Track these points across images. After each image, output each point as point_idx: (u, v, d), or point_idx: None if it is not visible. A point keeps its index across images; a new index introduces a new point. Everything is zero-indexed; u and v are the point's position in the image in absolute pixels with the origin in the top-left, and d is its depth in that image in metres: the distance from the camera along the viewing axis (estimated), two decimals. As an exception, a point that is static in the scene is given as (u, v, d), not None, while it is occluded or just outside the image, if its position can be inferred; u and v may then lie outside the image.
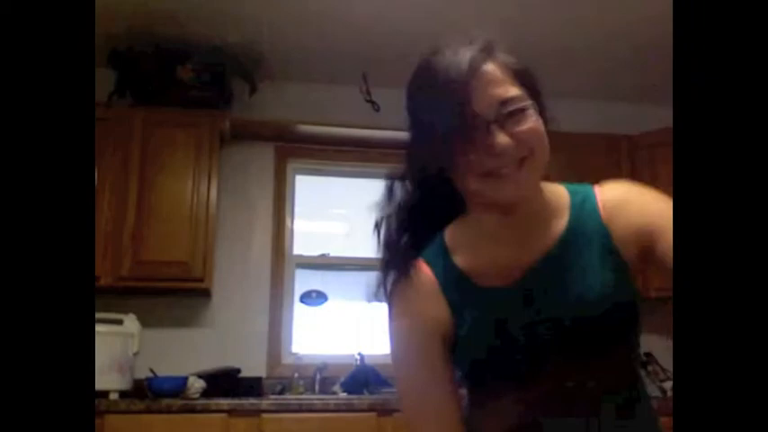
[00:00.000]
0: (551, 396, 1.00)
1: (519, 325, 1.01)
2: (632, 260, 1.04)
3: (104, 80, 3.30)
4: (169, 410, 2.76)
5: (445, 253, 1.11)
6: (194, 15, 3.16)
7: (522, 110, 1.01)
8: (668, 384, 3.44)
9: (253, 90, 3.50)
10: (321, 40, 3.36)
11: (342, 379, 3.32)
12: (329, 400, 2.99)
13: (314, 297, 3.66)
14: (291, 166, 3.82)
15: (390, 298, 1.15)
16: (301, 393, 3.27)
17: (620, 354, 1.04)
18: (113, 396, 2.84)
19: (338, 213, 3.94)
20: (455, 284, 1.08)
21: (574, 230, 1.06)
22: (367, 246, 3.88)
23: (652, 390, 3.47)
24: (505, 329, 1.02)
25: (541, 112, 1.06)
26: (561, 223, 1.07)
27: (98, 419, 2.63)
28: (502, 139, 0.98)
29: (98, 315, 2.65)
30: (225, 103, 3.45)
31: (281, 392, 3.27)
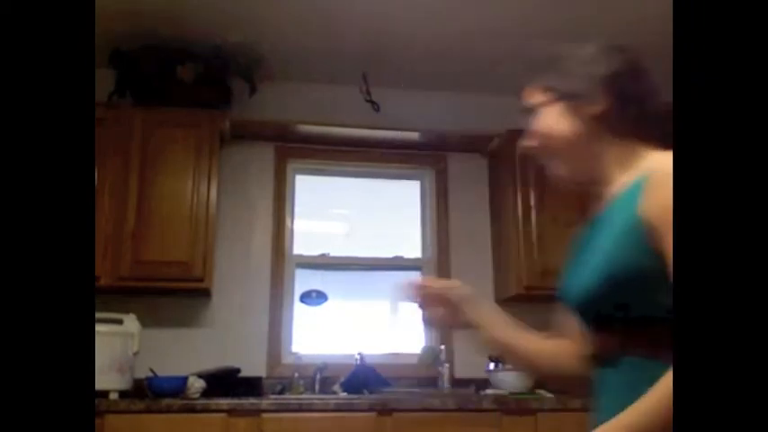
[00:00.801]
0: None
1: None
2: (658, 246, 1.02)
3: (104, 80, 3.30)
4: (169, 410, 2.76)
5: None
6: (194, 15, 3.16)
7: None
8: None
9: (253, 90, 3.50)
10: (321, 40, 3.36)
11: (342, 379, 3.32)
12: (329, 400, 2.99)
13: (314, 297, 3.66)
14: (291, 166, 3.82)
15: None
16: (301, 393, 3.27)
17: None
18: (113, 396, 2.84)
19: (338, 213, 3.95)
20: None
21: (608, 211, 1.17)
22: (367, 245, 3.93)
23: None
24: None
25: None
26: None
27: (98, 419, 2.63)
28: None
29: (98, 315, 2.65)
30: (225, 103, 3.45)
31: (281, 392, 3.27)
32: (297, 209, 3.80)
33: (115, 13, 3.05)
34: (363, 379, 3.30)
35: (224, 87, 3.45)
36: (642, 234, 1.04)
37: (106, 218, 3.13)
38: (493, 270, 3.78)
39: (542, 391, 3.26)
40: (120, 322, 3.00)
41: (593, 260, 1.13)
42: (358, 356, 3.42)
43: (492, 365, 3.43)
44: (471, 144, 3.86)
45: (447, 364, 3.46)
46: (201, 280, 3.20)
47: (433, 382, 3.45)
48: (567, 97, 1.19)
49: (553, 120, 1.21)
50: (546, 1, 3.05)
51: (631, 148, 1.17)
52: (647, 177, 1.07)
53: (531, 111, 1.25)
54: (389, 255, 3.84)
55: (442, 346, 3.53)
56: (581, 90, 1.18)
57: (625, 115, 1.18)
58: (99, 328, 2.76)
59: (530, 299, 3.60)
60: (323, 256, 3.77)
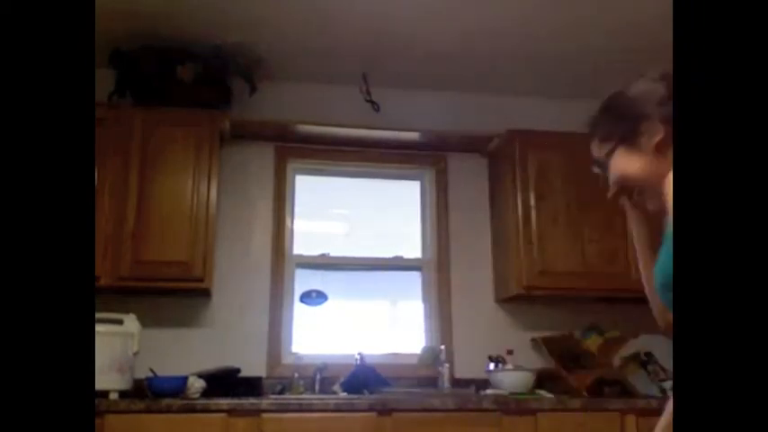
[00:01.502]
0: None
1: None
2: None
3: (104, 80, 3.30)
4: (169, 410, 2.76)
5: None
6: (194, 15, 3.16)
7: None
8: (668, 384, 3.43)
9: (253, 90, 3.50)
10: (321, 40, 3.36)
11: (342, 379, 3.32)
12: (329, 400, 2.99)
13: (314, 297, 3.66)
14: (291, 166, 3.82)
15: None
16: (301, 393, 3.27)
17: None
18: (113, 396, 2.84)
19: (338, 213, 3.94)
20: None
21: None
22: (367, 245, 3.93)
23: (651, 389, 3.47)
24: None
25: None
26: None
27: (98, 419, 2.63)
28: None
29: (98, 315, 2.65)
30: (225, 103, 3.45)
31: (281, 392, 3.27)
32: (297, 209, 3.80)
33: (115, 13, 3.05)
34: (363, 379, 3.30)
35: (224, 87, 3.45)
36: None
37: (106, 218, 3.13)
38: (493, 270, 3.78)
39: (542, 391, 3.26)
40: (120, 322, 3.00)
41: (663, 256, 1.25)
42: (358, 356, 3.41)
43: (492, 365, 3.44)
44: (471, 144, 3.86)
45: (447, 364, 3.46)
46: (201, 280, 3.20)
47: (433, 382, 3.45)
48: (628, 139, 1.31)
49: (623, 163, 1.32)
50: (546, 1, 3.05)
51: None
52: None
53: (601, 163, 1.37)
54: (389, 255, 3.84)
55: (442, 347, 3.53)
56: (637, 129, 1.29)
57: None
58: (99, 328, 2.76)
59: (530, 299, 3.61)
60: (323, 256, 3.77)
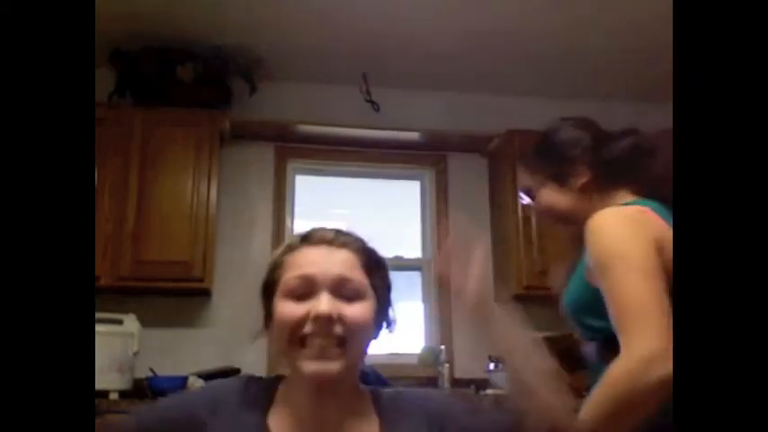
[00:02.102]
0: None
1: None
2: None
3: (104, 80, 3.30)
4: (169, 410, 2.75)
5: None
6: (194, 16, 3.16)
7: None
8: (668, 384, 3.43)
9: (253, 90, 3.50)
10: (321, 40, 3.36)
11: (342, 379, 3.32)
12: (329, 399, 2.99)
13: (314, 297, 3.66)
14: (291, 166, 3.82)
15: None
16: (301, 393, 3.27)
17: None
18: (113, 396, 2.84)
19: (338, 213, 3.94)
20: None
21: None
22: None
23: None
24: None
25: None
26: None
27: (98, 419, 2.63)
28: None
29: (98, 315, 2.64)
30: (225, 103, 3.45)
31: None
32: (297, 209, 3.80)
33: (115, 14, 3.05)
34: (363, 379, 3.29)
35: (224, 87, 3.45)
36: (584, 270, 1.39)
37: (106, 218, 3.13)
38: (493, 270, 3.78)
39: (542, 391, 3.25)
40: (119, 322, 3.00)
41: (572, 283, 1.48)
42: (358, 356, 3.41)
43: (492, 365, 3.43)
44: (471, 144, 3.86)
45: (447, 364, 3.46)
46: (201, 280, 3.20)
47: (433, 382, 3.45)
48: (556, 178, 1.53)
49: (551, 198, 1.55)
50: (546, 1, 3.05)
51: (612, 194, 1.48)
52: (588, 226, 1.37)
53: (529, 193, 1.60)
54: (389, 255, 3.82)
55: (442, 347, 3.53)
56: (565, 170, 1.51)
57: (604, 176, 1.50)
58: (99, 328, 2.76)
59: (530, 299, 3.60)
60: (323, 256, 3.76)
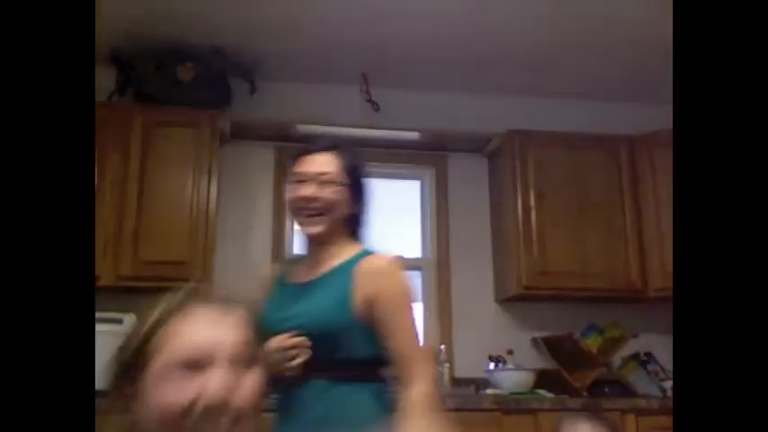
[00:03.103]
0: None
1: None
2: (360, 308, 1.59)
3: (104, 80, 3.30)
4: (169, 410, 2.75)
5: None
6: (194, 15, 3.16)
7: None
8: (668, 384, 3.43)
9: (253, 90, 3.50)
10: (321, 40, 3.36)
11: (342, 379, 3.32)
12: (329, 399, 2.99)
13: (314, 297, 3.65)
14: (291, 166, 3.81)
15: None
16: (301, 393, 3.27)
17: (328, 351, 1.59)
18: (113, 396, 2.83)
19: (338, 213, 3.94)
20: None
21: (337, 270, 1.67)
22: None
23: (651, 389, 3.47)
24: None
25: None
26: (337, 263, 1.69)
27: (98, 419, 2.63)
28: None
29: (98, 315, 2.64)
30: (225, 103, 3.45)
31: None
32: (297, 209, 3.79)
33: (115, 14, 3.05)
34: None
35: (224, 87, 3.44)
36: (349, 304, 1.59)
37: (106, 217, 3.13)
38: (493, 270, 3.78)
39: (542, 391, 3.26)
40: (120, 322, 3.00)
41: (310, 305, 1.63)
42: (358, 356, 3.41)
43: (492, 365, 3.44)
44: (471, 144, 3.86)
45: (447, 364, 3.46)
46: (201, 280, 3.19)
47: (432, 382, 3.45)
48: (347, 188, 1.73)
49: (336, 196, 1.71)
50: (546, 1, 3.05)
51: (351, 240, 1.75)
52: (356, 269, 1.64)
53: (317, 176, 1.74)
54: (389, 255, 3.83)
55: (442, 346, 3.52)
56: (350, 194, 1.74)
57: (357, 221, 1.79)
58: (99, 327, 2.73)
59: (530, 299, 3.61)
60: (323, 255, 3.77)
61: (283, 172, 3.77)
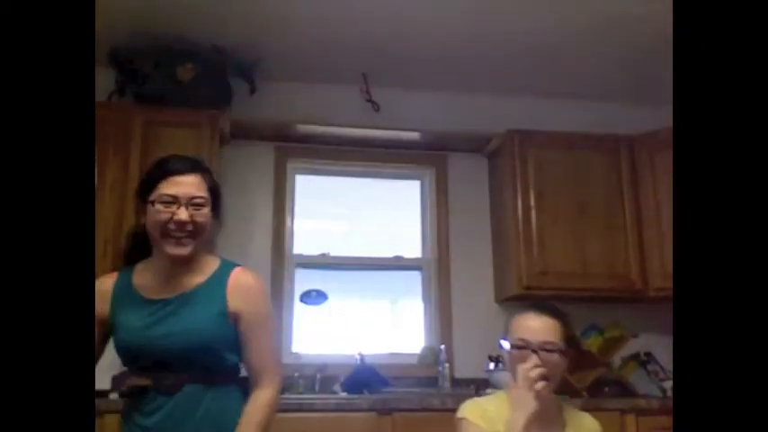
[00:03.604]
0: None
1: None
2: (231, 319, 1.70)
3: (104, 80, 3.30)
4: (169, 410, 2.75)
5: None
6: (194, 15, 3.16)
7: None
8: (668, 384, 3.43)
9: (253, 90, 3.50)
10: (321, 40, 3.36)
11: (342, 379, 3.32)
12: (329, 399, 2.99)
13: (314, 296, 3.66)
14: (291, 165, 3.82)
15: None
16: (301, 393, 3.27)
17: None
18: (113, 396, 2.83)
19: (338, 212, 3.94)
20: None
21: (206, 286, 1.73)
22: (367, 245, 3.93)
23: (651, 389, 3.47)
24: None
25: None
26: (202, 279, 1.74)
27: (98, 419, 2.63)
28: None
29: (98, 315, 2.64)
30: (225, 102, 3.45)
31: (282, 392, 3.26)
32: (297, 208, 3.80)
33: (115, 13, 3.05)
34: (363, 379, 3.30)
35: (224, 87, 3.44)
36: (227, 318, 1.70)
37: (106, 218, 3.13)
38: (493, 270, 3.78)
39: (542, 391, 3.25)
40: (120, 322, 2.99)
41: (191, 322, 1.67)
42: (358, 356, 3.41)
43: (492, 365, 3.43)
44: (471, 144, 3.86)
45: (447, 364, 3.46)
46: (201, 280, 3.19)
47: (433, 382, 3.45)
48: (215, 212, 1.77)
49: (207, 219, 1.73)
50: (546, 1, 3.05)
51: (204, 252, 1.78)
52: (229, 283, 1.73)
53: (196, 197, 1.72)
54: (389, 254, 3.84)
55: (442, 346, 3.53)
56: (213, 213, 1.76)
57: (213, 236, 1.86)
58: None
59: (530, 299, 3.60)
60: (323, 255, 3.77)
61: (284, 172, 3.78)
